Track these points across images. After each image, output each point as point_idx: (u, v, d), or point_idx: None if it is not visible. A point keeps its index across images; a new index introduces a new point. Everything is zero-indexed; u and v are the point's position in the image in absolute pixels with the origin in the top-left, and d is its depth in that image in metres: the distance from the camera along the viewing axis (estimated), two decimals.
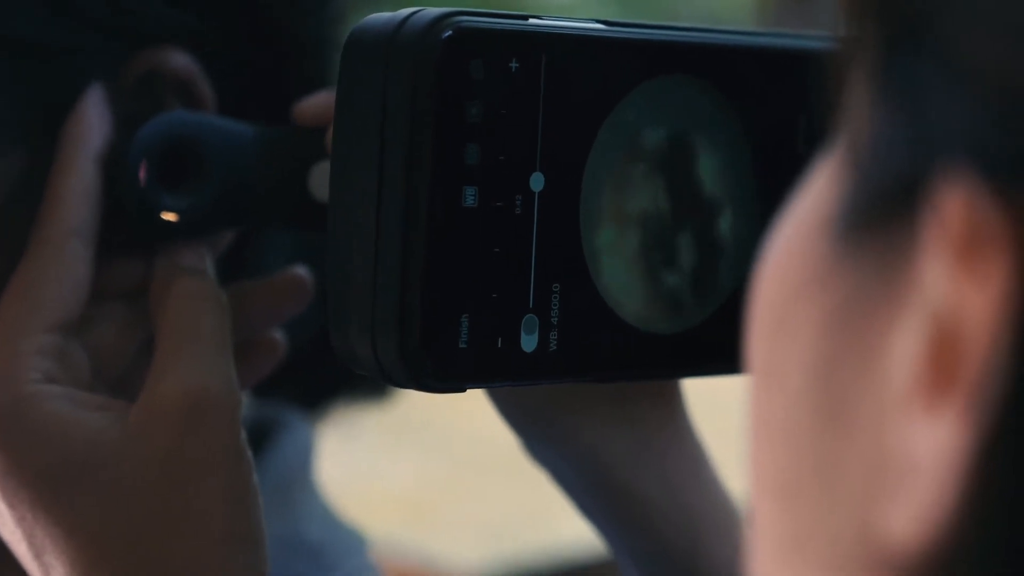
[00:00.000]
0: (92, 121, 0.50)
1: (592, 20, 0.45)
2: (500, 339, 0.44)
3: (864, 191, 0.29)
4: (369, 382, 0.61)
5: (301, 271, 0.53)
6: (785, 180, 0.49)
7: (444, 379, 0.43)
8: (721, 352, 0.48)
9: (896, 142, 0.28)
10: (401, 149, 0.42)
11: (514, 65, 0.43)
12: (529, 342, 0.44)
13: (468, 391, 0.45)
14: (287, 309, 0.53)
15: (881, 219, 0.28)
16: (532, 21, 0.44)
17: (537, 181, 0.44)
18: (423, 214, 0.42)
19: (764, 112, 0.49)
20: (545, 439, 0.53)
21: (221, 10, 0.53)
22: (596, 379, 0.47)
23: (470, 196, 0.43)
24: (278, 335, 0.53)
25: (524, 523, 2.35)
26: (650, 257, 0.47)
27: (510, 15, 0.44)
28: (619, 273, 0.46)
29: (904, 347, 0.27)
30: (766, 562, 0.31)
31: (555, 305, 0.45)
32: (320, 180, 0.50)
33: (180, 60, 0.52)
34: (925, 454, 0.27)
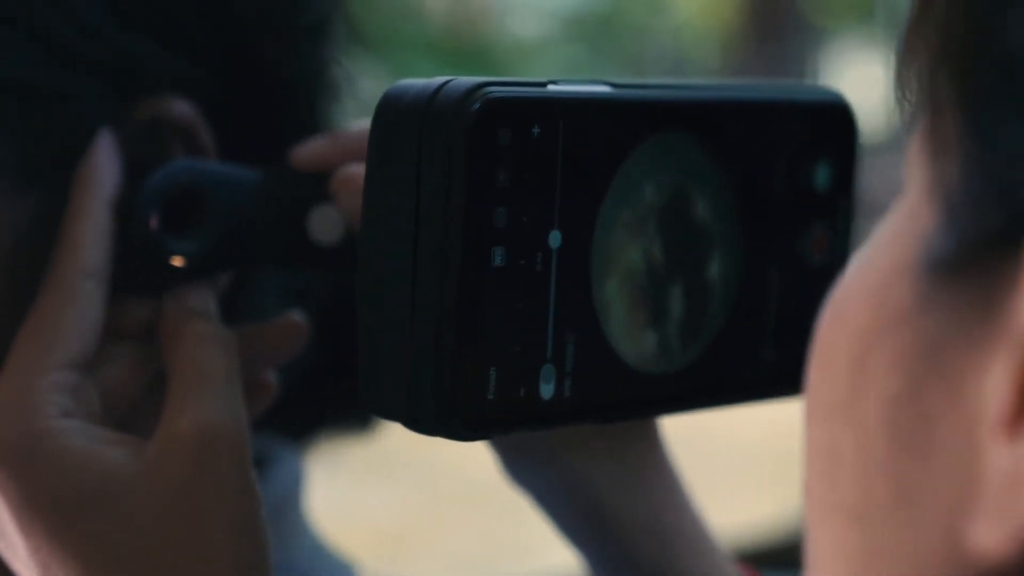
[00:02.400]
0: (104, 166, 0.52)
1: (600, 82, 0.48)
2: (522, 389, 0.46)
3: (954, 238, 0.32)
4: (352, 417, 0.63)
5: (297, 316, 0.55)
6: (766, 222, 0.52)
7: (473, 428, 0.46)
8: (710, 388, 0.51)
9: (989, 194, 0.31)
10: (436, 213, 0.44)
11: (536, 130, 0.45)
12: (547, 390, 0.47)
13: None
14: (284, 352, 0.55)
15: (973, 263, 0.31)
16: (551, 88, 0.46)
17: (555, 238, 0.46)
18: (456, 275, 0.44)
19: (748, 159, 0.51)
20: (528, 463, 0.56)
21: (217, 55, 0.54)
22: (601, 421, 0.50)
23: (498, 256, 0.45)
24: (271, 375, 0.55)
25: (501, 555, 2.35)
26: (650, 303, 0.49)
27: (530, 82, 0.46)
28: (623, 320, 0.49)
29: (995, 378, 0.30)
30: None
31: (569, 354, 0.47)
32: (319, 223, 0.52)
33: (182, 108, 0.53)
34: (1018, 473, 0.29)
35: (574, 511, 0.56)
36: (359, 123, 0.54)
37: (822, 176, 0.53)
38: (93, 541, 0.48)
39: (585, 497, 0.55)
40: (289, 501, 0.61)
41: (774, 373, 0.53)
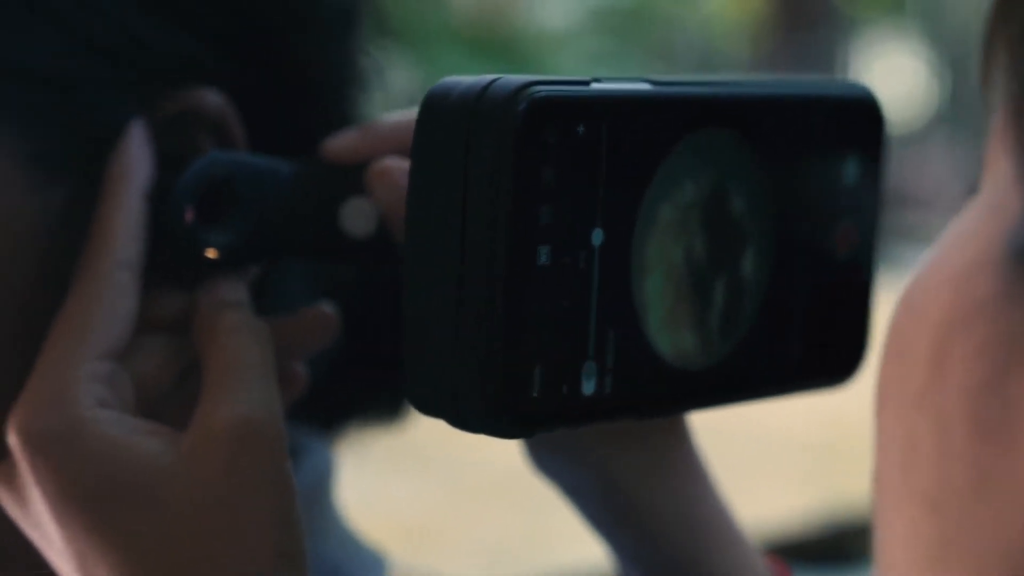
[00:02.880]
0: (137, 156, 0.52)
1: (641, 80, 0.48)
2: (565, 386, 0.46)
3: None
4: (380, 408, 0.63)
5: (328, 308, 0.55)
6: (796, 217, 0.53)
7: (517, 426, 0.46)
8: (743, 383, 0.52)
9: None
10: (484, 212, 0.45)
11: (580, 129, 0.46)
12: (588, 387, 0.47)
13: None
14: (315, 343, 0.55)
15: None
16: (594, 86, 0.47)
17: (597, 236, 0.47)
18: (503, 274, 0.45)
19: (781, 155, 0.52)
20: (556, 455, 0.56)
21: (246, 47, 0.54)
22: (639, 416, 0.50)
23: (543, 255, 0.45)
24: (301, 366, 0.55)
25: (525, 548, 2.36)
26: (688, 299, 0.50)
27: (574, 81, 0.46)
28: (662, 316, 0.49)
29: None
30: (908, 568, 0.34)
31: (610, 351, 0.47)
32: (352, 215, 0.52)
33: (213, 100, 0.53)
34: None
35: (602, 503, 0.56)
36: (391, 115, 0.54)
37: (850, 171, 0.53)
38: (129, 531, 0.48)
39: (613, 490, 0.56)
40: (319, 492, 0.61)
41: (804, 367, 0.53)
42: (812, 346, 0.53)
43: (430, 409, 0.47)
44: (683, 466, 0.56)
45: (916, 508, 0.33)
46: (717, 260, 0.50)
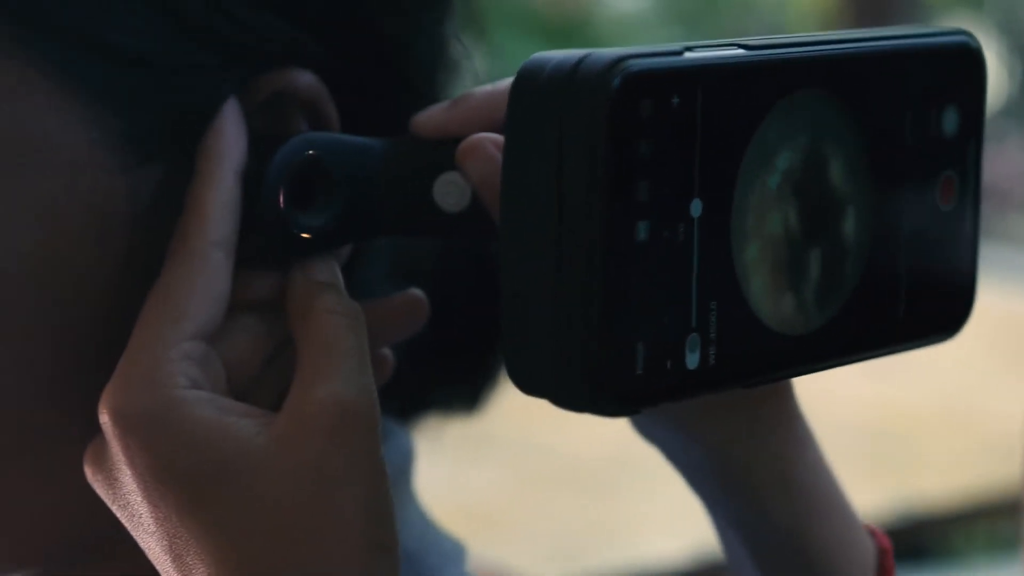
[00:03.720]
0: (232, 136, 0.51)
1: (733, 44, 0.48)
2: (669, 361, 0.46)
3: None
4: (460, 397, 0.64)
5: (418, 293, 0.55)
6: (897, 173, 0.52)
7: (623, 404, 0.46)
8: (847, 344, 0.51)
9: None
10: (581, 192, 0.44)
11: (675, 100, 0.45)
12: (692, 360, 0.47)
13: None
14: (405, 328, 0.55)
15: None
16: (687, 55, 0.46)
17: (696, 207, 0.46)
18: (602, 253, 0.44)
19: (879, 111, 0.51)
20: (657, 417, 0.56)
21: (340, 30, 0.54)
22: (744, 385, 0.50)
23: (642, 231, 0.45)
24: (388, 351, 0.55)
25: (592, 539, 2.35)
26: (790, 264, 0.49)
27: (666, 51, 0.45)
28: (764, 283, 0.48)
29: None
30: None
31: (713, 322, 0.47)
32: (445, 190, 0.52)
33: (307, 80, 0.53)
34: None
35: (703, 468, 0.56)
36: (479, 89, 0.53)
37: (950, 121, 0.52)
38: (223, 513, 0.48)
39: (714, 455, 0.56)
40: (401, 478, 0.61)
41: (909, 323, 0.53)
42: (917, 302, 0.53)
43: (533, 389, 0.47)
44: (784, 429, 0.56)
45: None
46: (817, 222, 0.49)
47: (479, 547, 0.64)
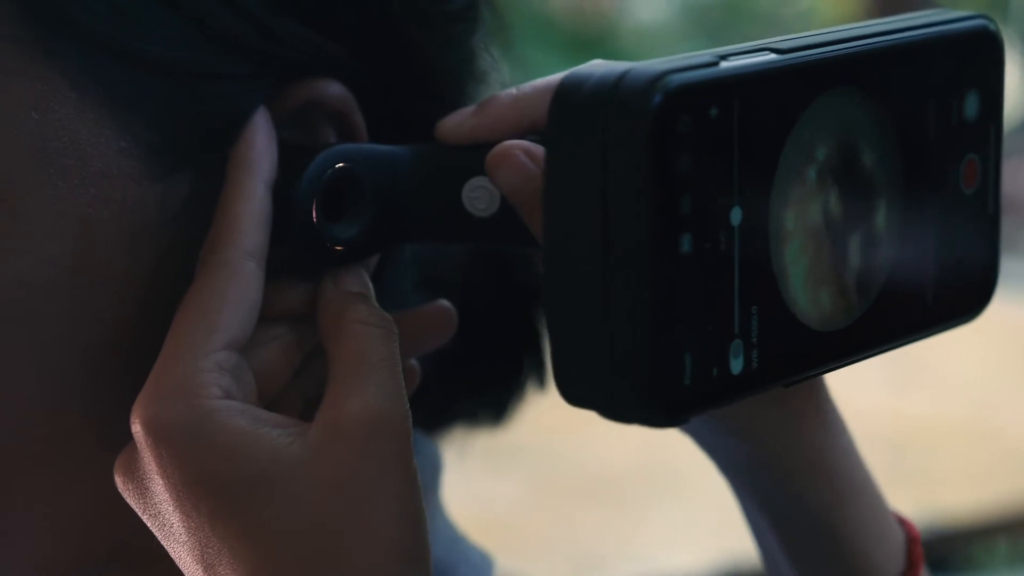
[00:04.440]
0: (263, 146, 0.52)
1: (765, 49, 0.48)
2: (715, 369, 0.46)
3: None
4: (487, 407, 0.64)
5: (447, 304, 0.55)
6: (923, 162, 0.52)
7: (672, 415, 0.46)
8: (882, 334, 0.52)
9: None
10: (626, 208, 0.45)
11: (714, 112, 0.45)
12: (736, 365, 0.47)
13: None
14: (434, 339, 0.55)
15: None
16: (723, 65, 0.46)
17: (736, 215, 0.46)
18: (648, 268, 0.45)
19: (904, 102, 0.51)
20: (696, 420, 0.56)
21: (369, 42, 0.54)
22: (785, 385, 0.50)
23: (686, 243, 0.45)
24: (415, 362, 0.55)
25: (612, 553, 2.35)
26: (827, 261, 0.49)
27: (703, 62, 0.46)
28: (802, 282, 0.49)
29: None
30: None
31: (755, 326, 0.47)
32: (474, 195, 0.53)
33: (336, 90, 0.53)
34: None
35: (735, 454, 0.57)
36: (505, 93, 0.54)
37: (971, 105, 0.53)
38: (255, 522, 0.48)
39: (749, 446, 0.56)
40: (428, 489, 0.61)
41: (937, 308, 0.53)
42: (944, 286, 0.53)
43: (581, 401, 0.47)
44: (816, 417, 0.57)
45: None
46: (851, 218, 0.50)
47: (501, 559, 0.65)
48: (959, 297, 0.54)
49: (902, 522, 0.59)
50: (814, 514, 0.57)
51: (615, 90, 0.45)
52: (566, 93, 0.46)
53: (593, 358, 0.46)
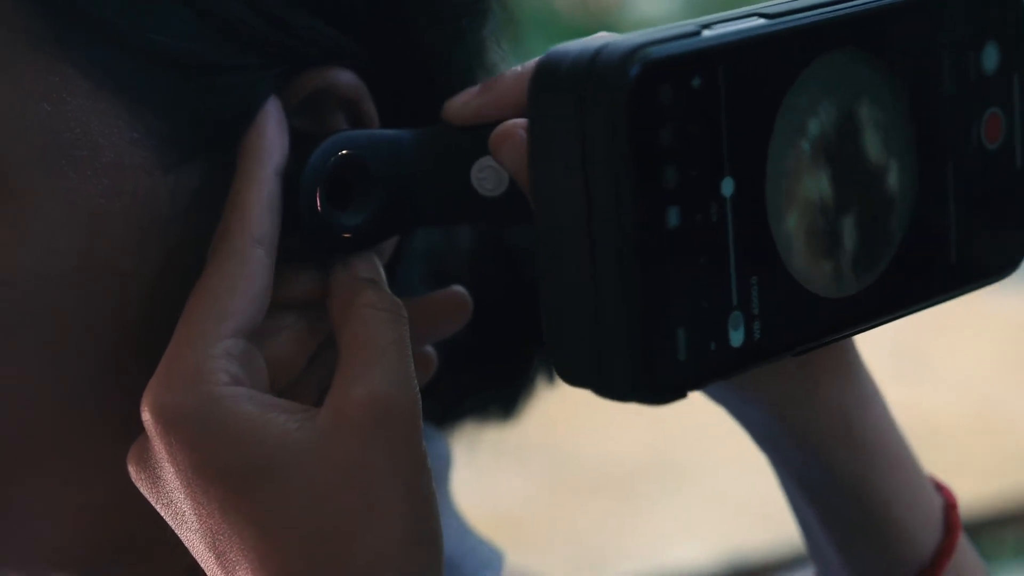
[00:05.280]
0: (273, 134, 0.51)
1: (753, 14, 0.47)
2: (712, 342, 0.46)
3: None
4: (496, 401, 0.63)
5: (461, 290, 0.55)
6: (940, 120, 0.51)
7: (668, 391, 0.46)
8: (898, 298, 0.50)
9: None
10: (607, 184, 0.44)
11: (696, 82, 0.44)
12: (736, 337, 0.46)
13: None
14: (448, 325, 0.55)
15: None
16: (705, 34, 0.45)
17: (727, 186, 0.46)
18: (635, 243, 0.44)
19: (914, 60, 0.50)
20: (719, 387, 0.56)
21: (379, 33, 0.54)
22: (795, 354, 0.49)
23: (673, 216, 0.44)
24: (431, 349, 0.55)
25: (625, 546, 2.35)
26: (832, 228, 0.48)
27: (684, 33, 0.45)
28: (807, 250, 0.48)
29: None
30: None
31: (755, 297, 0.47)
32: (481, 176, 0.52)
33: (347, 79, 0.53)
34: None
35: (764, 425, 0.56)
36: (508, 72, 0.53)
37: (990, 58, 0.51)
38: (264, 507, 0.48)
39: (773, 411, 0.56)
40: (437, 484, 0.60)
41: (961, 268, 0.52)
42: (968, 245, 0.52)
43: (576, 380, 0.46)
44: (843, 386, 0.56)
45: None
46: (857, 182, 0.49)
47: (510, 553, 0.64)
48: (988, 255, 0.53)
49: (939, 488, 0.59)
50: (847, 484, 0.56)
51: (592, 64, 0.44)
52: (543, 73, 0.45)
53: (585, 337, 0.45)
